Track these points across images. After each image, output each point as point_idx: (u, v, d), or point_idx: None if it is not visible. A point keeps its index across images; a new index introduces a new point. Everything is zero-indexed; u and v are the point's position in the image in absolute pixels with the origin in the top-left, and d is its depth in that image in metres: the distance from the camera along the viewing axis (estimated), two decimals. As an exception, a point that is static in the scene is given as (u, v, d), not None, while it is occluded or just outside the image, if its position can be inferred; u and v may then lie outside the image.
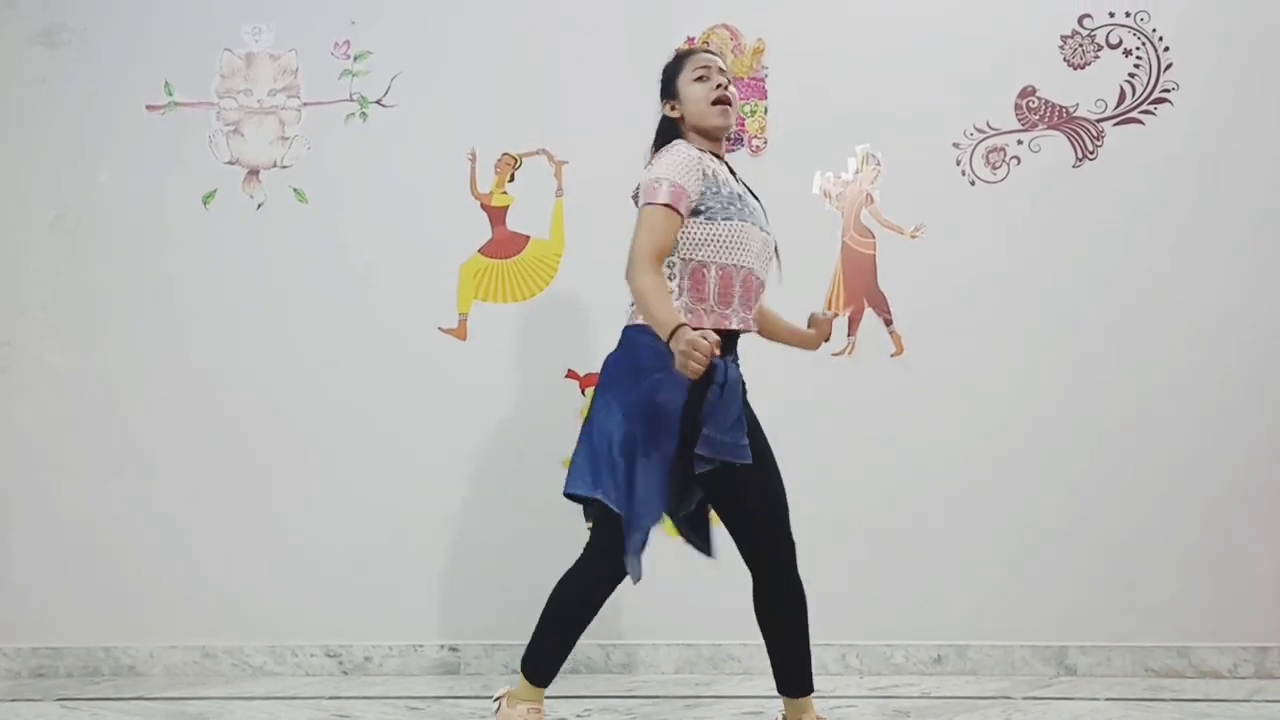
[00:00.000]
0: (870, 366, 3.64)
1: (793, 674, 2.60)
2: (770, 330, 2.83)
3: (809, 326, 2.86)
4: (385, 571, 3.67)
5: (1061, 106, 3.64)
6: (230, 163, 3.81)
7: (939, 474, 3.59)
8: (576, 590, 2.61)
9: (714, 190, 2.57)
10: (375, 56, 3.79)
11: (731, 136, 2.71)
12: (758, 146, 3.68)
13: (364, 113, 3.79)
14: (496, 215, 3.76)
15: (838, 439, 3.60)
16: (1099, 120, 3.64)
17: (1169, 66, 3.62)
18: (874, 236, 3.67)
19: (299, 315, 3.76)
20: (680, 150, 2.55)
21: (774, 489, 2.60)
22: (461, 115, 3.76)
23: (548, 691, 2.64)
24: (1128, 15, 3.64)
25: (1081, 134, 3.63)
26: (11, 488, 3.76)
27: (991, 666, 3.55)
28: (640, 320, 2.55)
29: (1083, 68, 3.64)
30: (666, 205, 2.49)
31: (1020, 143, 3.65)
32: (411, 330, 3.73)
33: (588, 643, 3.60)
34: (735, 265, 2.55)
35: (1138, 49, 3.63)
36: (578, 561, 2.62)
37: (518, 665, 3.61)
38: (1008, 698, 3.25)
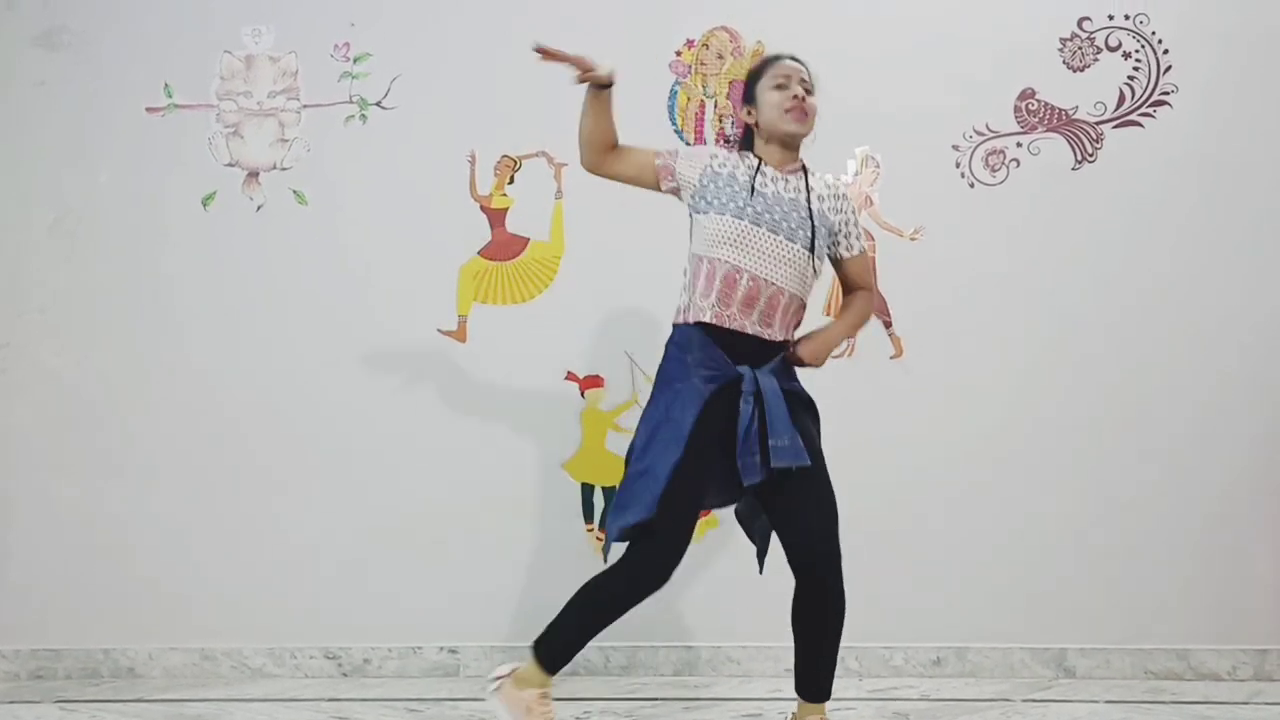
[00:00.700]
0: (869, 368, 3.64)
1: (810, 677, 2.63)
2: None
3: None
4: (384, 573, 3.67)
5: (1061, 109, 3.64)
6: (230, 165, 3.81)
7: (938, 475, 3.59)
8: (610, 588, 2.59)
9: (717, 186, 2.63)
10: (375, 59, 3.79)
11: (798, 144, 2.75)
12: (757, 148, 3.68)
13: (364, 115, 3.79)
14: (496, 217, 3.76)
15: (837, 441, 3.55)
16: (1098, 122, 3.64)
17: (1168, 69, 3.62)
18: (873, 239, 3.67)
19: (298, 317, 3.76)
20: (705, 148, 2.77)
21: (820, 495, 2.61)
22: (461, 117, 3.76)
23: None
24: (1127, 18, 3.64)
25: (1081, 136, 3.63)
26: (11, 488, 3.76)
27: (991, 669, 3.55)
28: (678, 319, 2.67)
29: (1082, 70, 3.64)
30: (657, 153, 2.72)
31: (1020, 145, 3.65)
32: (411, 332, 3.73)
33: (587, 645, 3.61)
34: (718, 260, 2.59)
35: (1137, 52, 3.63)
36: (618, 561, 2.60)
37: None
38: (1007, 700, 3.25)
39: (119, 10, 3.85)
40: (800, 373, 2.72)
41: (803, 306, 2.70)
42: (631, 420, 3.59)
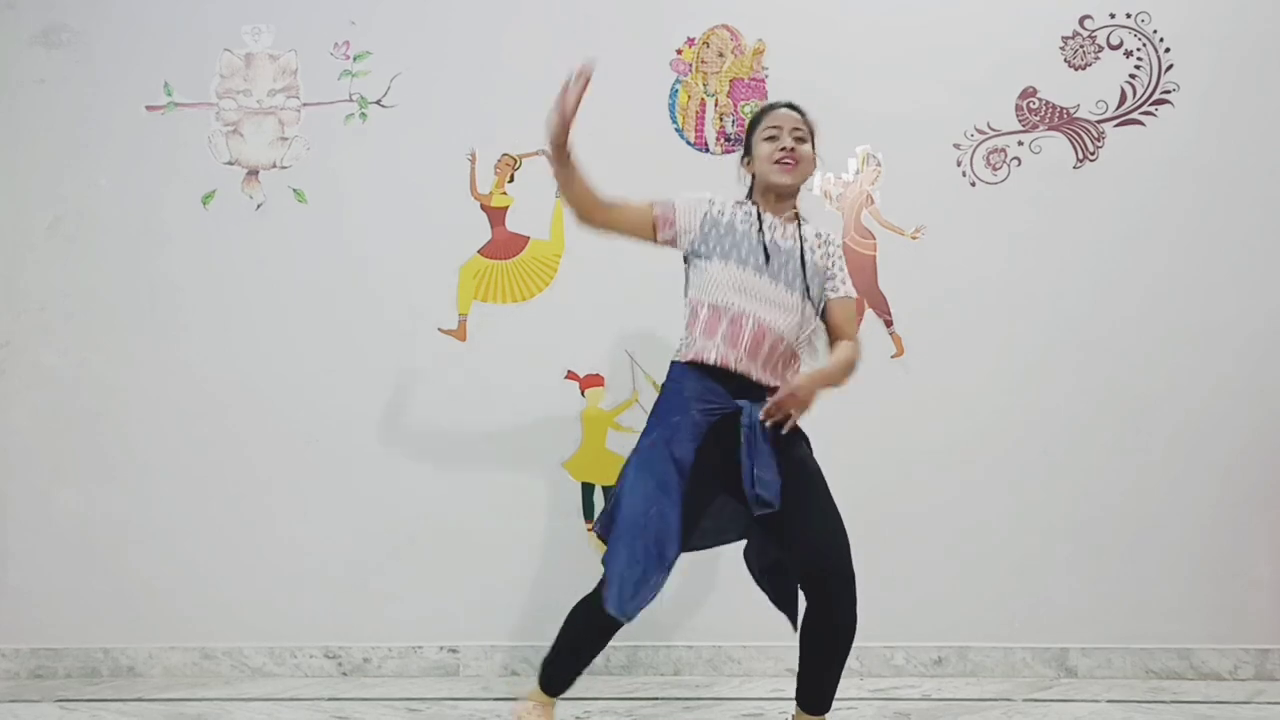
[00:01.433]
0: (870, 368, 3.61)
1: (813, 691, 2.64)
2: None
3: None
4: (384, 573, 3.67)
5: (1062, 107, 3.64)
6: (229, 163, 3.81)
7: (939, 475, 3.59)
8: (585, 615, 2.65)
9: (719, 234, 2.68)
10: (375, 57, 3.79)
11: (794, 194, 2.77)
12: (758, 147, 3.68)
13: (363, 113, 3.78)
14: (496, 216, 3.75)
15: (838, 440, 3.57)
16: (1100, 121, 3.63)
17: (1170, 68, 3.61)
18: (874, 238, 3.67)
19: (298, 316, 3.75)
20: (702, 194, 2.74)
21: (825, 513, 2.60)
22: (461, 116, 3.75)
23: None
24: (1128, 16, 3.64)
25: (1082, 135, 3.63)
26: (10, 488, 3.76)
27: (992, 668, 3.55)
28: (677, 356, 2.69)
29: (1083, 69, 3.64)
30: (653, 204, 2.70)
31: (1021, 144, 3.64)
32: (411, 331, 3.72)
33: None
34: (724, 305, 2.63)
35: (1138, 50, 3.63)
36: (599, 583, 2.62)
37: (516, 667, 3.65)
38: (1008, 699, 3.25)
39: (119, 8, 3.84)
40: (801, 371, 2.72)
41: (796, 356, 2.69)
42: (632, 419, 3.60)
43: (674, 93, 3.71)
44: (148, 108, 3.82)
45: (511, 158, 3.75)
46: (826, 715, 2.64)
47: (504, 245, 3.75)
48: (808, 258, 2.70)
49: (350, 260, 3.75)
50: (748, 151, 2.78)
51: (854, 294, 2.77)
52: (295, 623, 3.68)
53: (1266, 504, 3.54)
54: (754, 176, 2.77)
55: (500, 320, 3.72)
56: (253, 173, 3.80)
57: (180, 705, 3.27)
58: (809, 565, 2.58)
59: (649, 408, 2.75)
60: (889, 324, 3.65)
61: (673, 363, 2.70)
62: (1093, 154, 3.63)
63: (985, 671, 3.55)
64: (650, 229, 2.72)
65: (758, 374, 2.62)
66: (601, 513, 2.63)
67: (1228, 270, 3.58)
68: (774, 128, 2.72)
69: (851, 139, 3.66)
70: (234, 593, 3.69)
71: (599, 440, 3.66)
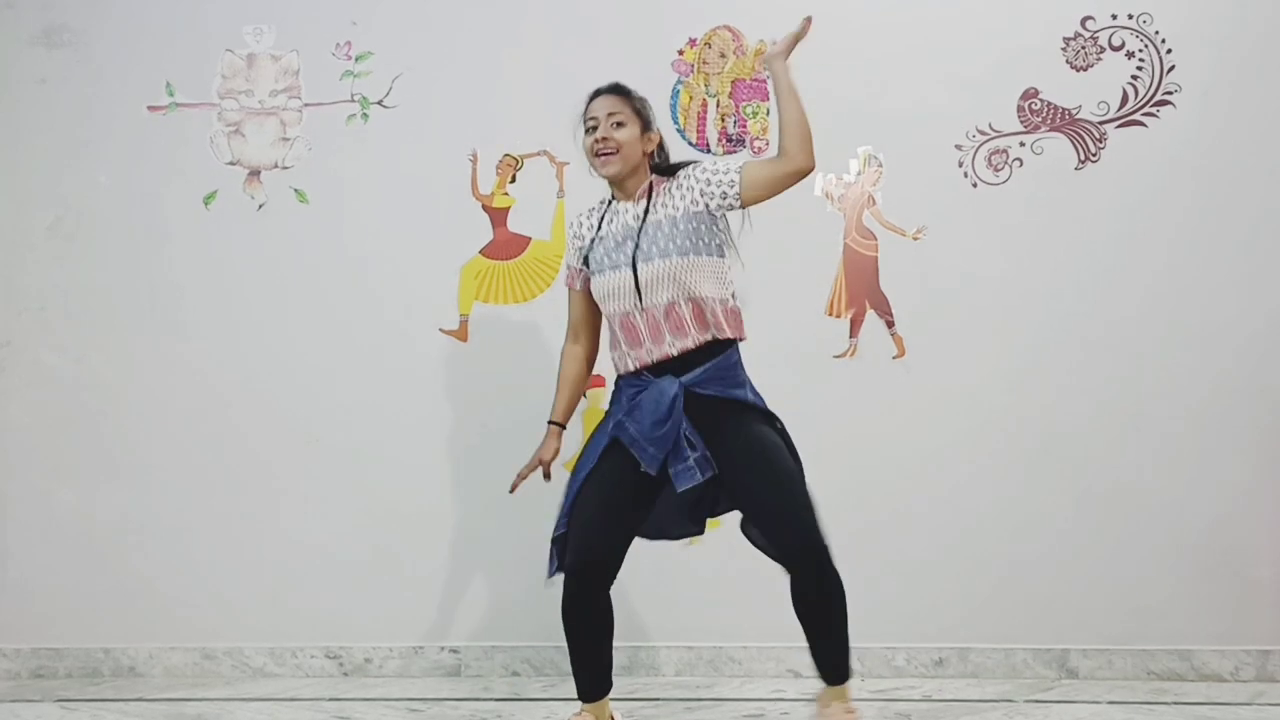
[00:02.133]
0: (872, 368, 3.63)
1: (824, 662, 2.65)
2: None
3: None
4: (385, 573, 3.67)
5: (1064, 108, 3.64)
6: (231, 163, 3.81)
7: (940, 476, 3.59)
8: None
9: (594, 253, 2.75)
10: (376, 57, 3.79)
11: (615, 179, 2.79)
12: (759, 148, 3.68)
13: (365, 114, 3.78)
14: (498, 216, 3.75)
15: (839, 441, 3.59)
16: (1101, 122, 3.63)
17: (1172, 69, 3.61)
18: (876, 238, 3.67)
19: (299, 316, 3.75)
20: (573, 221, 2.85)
21: (778, 480, 2.59)
22: (463, 116, 3.75)
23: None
24: (1130, 17, 3.63)
25: (1084, 136, 3.63)
26: (11, 488, 3.76)
27: (993, 669, 3.55)
28: None
29: (1085, 70, 3.64)
30: (568, 286, 2.85)
31: (1022, 145, 3.64)
32: (412, 331, 3.72)
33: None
34: (611, 315, 2.72)
35: (1140, 51, 3.63)
36: None
37: (518, 668, 3.65)
38: (1009, 700, 3.25)
39: (120, 9, 3.84)
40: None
41: (700, 300, 2.64)
42: (633, 420, 3.59)
43: (675, 93, 3.71)
44: (149, 108, 3.82)
45: (513, 158, 3.75)
46: (847, 684, 2.65)
47: (505, 246, 3.75)
48: (660, 214, 2.68)
49: (351, 260, 3.75)
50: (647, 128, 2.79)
51: (739, 168, 2.68)
52: (296, 623, 3.68)
53: (1267, 504, 3.54)
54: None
55: (502, 321, 3.72)
56: (254, 173, 3.80)
57: (181, 705, 3.27)
58: (772, 542, 2.60)
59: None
60: (890, 325, 3.64)
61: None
62: (1094, 155, 3.63)
63: (986, 673, 3.55)
64: (580, 297, 2.84)
65: (671, 349, 2.64)
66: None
67: (1228, 271, 3.58)
68: (592, 118, 2.73)
69: (853, 139, 3.66)
70: (235, 593, 3.69)
71: (600, 441, 3.65)
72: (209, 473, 3.73)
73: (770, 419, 2.67)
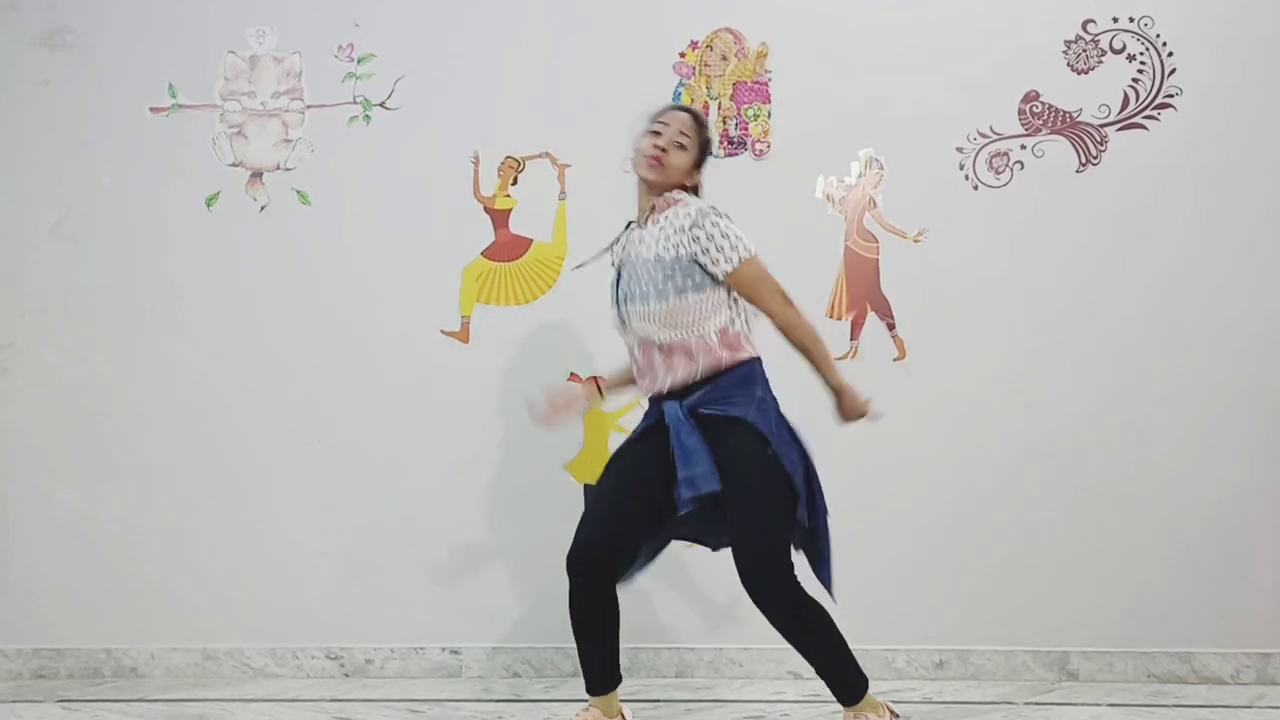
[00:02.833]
0: (872, 371, 3.63)
1: (829, 687, 2.73)
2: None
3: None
4: (386, 574, 3.67)
5: (1065, 111, 3.64)
6: (233, 165, 3.81)
7: (941, 478, 3.59)
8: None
9: (616, 277, 2.83)
10: (379, 59, 3.79)
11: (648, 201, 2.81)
12: (761, 150, 3.68)
13: (367, 115, 3.79)
14: (499, 218, 3.76)
15: (840, 443, 3.58)
16: (1102, 125, 3.63)
17: (1173, 72, 3.61)
18: (877, 241, 3.67)
19: (301, 318, 3.76)
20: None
21: (741, 513, 2.60)
22: (465, 118, 3.76)
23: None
24: (1131, 20, 3.64)
25: (1085, 139, 3.63)
26: (12, 489, 3.76)
27: (993, 672, 3.55)
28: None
29: (1086, 73, 3.64)
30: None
31: (1024, 147, 3.64)
32: (414, 333, 3.73)
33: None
34: (627, 346, 2.80)
35: (1141, 54, 3.63)
36: None
37: (518, 669, 3.66)
38: (1010, 703, 3.25)
39: (122, 10, 3.85)
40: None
41: (681, 347, 2.65)
42: (634, 421, 3.59)
43: (677, 95, 3.71)
44: (151, 109, 3.83)
45: (515, 160, 3.75)
46: (865, 698, 2.68)
47: (507, 247, 3.75)
48: (654, 252, 2.67)
49: (353, 262, 3.76)
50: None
51: (735, 262, 2.63)
52: (297, 623, 3.68)
53: (1269, 507, 3.54)
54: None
55: (503, 322, 3.72)
56: (257, 175, 3.81)
57: (182, 706, 3.28)
58: (739, 571, 2.61)
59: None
60: (891, 327, 3.65)
61: None
62: (1095, 158, 3.63)
63: (986, 675, 3.55)
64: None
65: (665, 383, 2.67)
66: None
67: (1229, 274, 3.58)
68: (662, 124, 2.73)
69: (854, 142, 3.67)
70: (236, 593, 3.70)
71: (601, 442, 3.66)
72: (210, 474, 3.73)
73: (762, 441, 2.61)
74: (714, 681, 3.55)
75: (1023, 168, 3.64)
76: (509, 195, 3.76)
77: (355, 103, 3.80)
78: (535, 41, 3.76)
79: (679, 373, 2.65)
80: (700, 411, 2.61)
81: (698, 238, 2.63)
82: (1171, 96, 3.62)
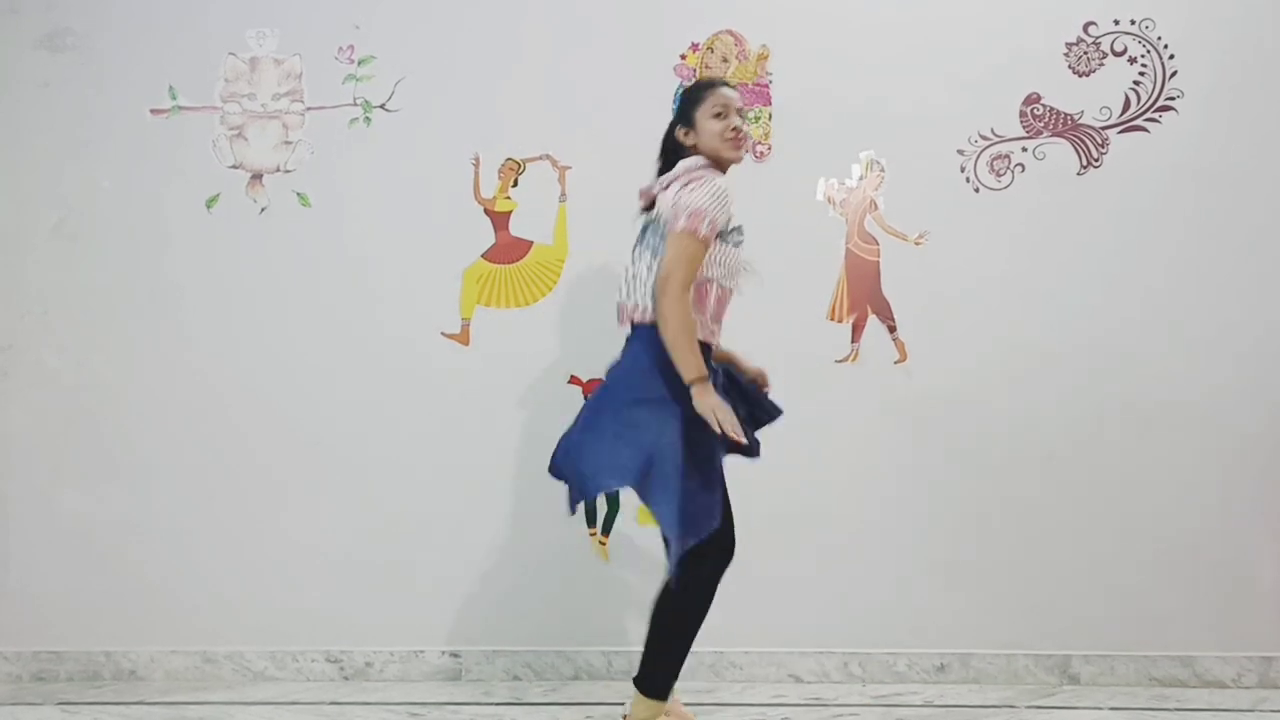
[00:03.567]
0: (873, 373, 3.63)
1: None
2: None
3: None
4: (386, 577, 3.67)
5: (1066, 114, 3.63)
6: (234, 167, 3.81)
7: (941, 480, 3.59)
8: (688, 598, 2.79)
9: (732, 217, 2.83)
10: (379, 61, 3.79)
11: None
12: (761, 152, 3.68)
13: (368, 117, 3.79)
14: (499, 220, 3.76)
15: (840, 445, 3.59)
16: (1104, 128, 3.63)
17: (1174, 74, 3.61)
18: (878, 243, 3.66)
19: (301, 319, 3.75)
20: (717, 182, 2.78)
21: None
22: (465, 120, 3.75)
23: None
24: (1133, 23, 3.63)
25: (1086, 141, 3.63)
26: (12, 490, 3.76)
27: (995, 675, 3.54)
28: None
29: (1087, 75, 3.64)
30: (705, 240, 2.72)
31: (1025, 150, 3.64)
32: (414, 335, 3.72)
33: (589, 649, 3.61)
34: (729, 288, 2.85)
35: (1143, 56, 3.63)
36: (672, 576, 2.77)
37: (519, 672, 3.64)
38: (1011, 706, 3.25)
39: (123, 12, 3.84)
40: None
41: (635, 308, 2.89)
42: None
43: (677, 98, 3.71)
44: (152, 111, 3.82)
45: (515, 162, 3.75)
46: (644, 696, 2.80)
47: (507, 250, 3.75)
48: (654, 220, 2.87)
49: (353, 264, 3.75)
50: (688, 124, 2.90)
51: (675, 227, 2.73)
52: (297, 626, 3.68)
53: (1270, 510, 3.53)
54: (692, 147, 2.90)
55: (503, 324, 3.72)
56: (257, 177, 3.80)
57: (182, 709, 3.27)
58: None
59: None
60: (892, 329, 3.64)
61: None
62: (1096, 160, 3.63)
63: (988, 678, 3.54)
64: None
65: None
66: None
67: (1230, 276, 3.58)
68: (724, 105, 2.88)
69: (855, 144, 3.66)
70: (236, 596, 3.69)
71: (601, 445, 3.65)
72: (210, 476, 3.73)
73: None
74: (714, 685, 3.55)
75: (1024, 170, 3.64)
76: (509, 197, 3.75)
77: (355, 105, 3.79)
78: (536, 43, 3.76)
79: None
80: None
81: (665, 203, 2.85)
82: (1173, 99, 3.61)
